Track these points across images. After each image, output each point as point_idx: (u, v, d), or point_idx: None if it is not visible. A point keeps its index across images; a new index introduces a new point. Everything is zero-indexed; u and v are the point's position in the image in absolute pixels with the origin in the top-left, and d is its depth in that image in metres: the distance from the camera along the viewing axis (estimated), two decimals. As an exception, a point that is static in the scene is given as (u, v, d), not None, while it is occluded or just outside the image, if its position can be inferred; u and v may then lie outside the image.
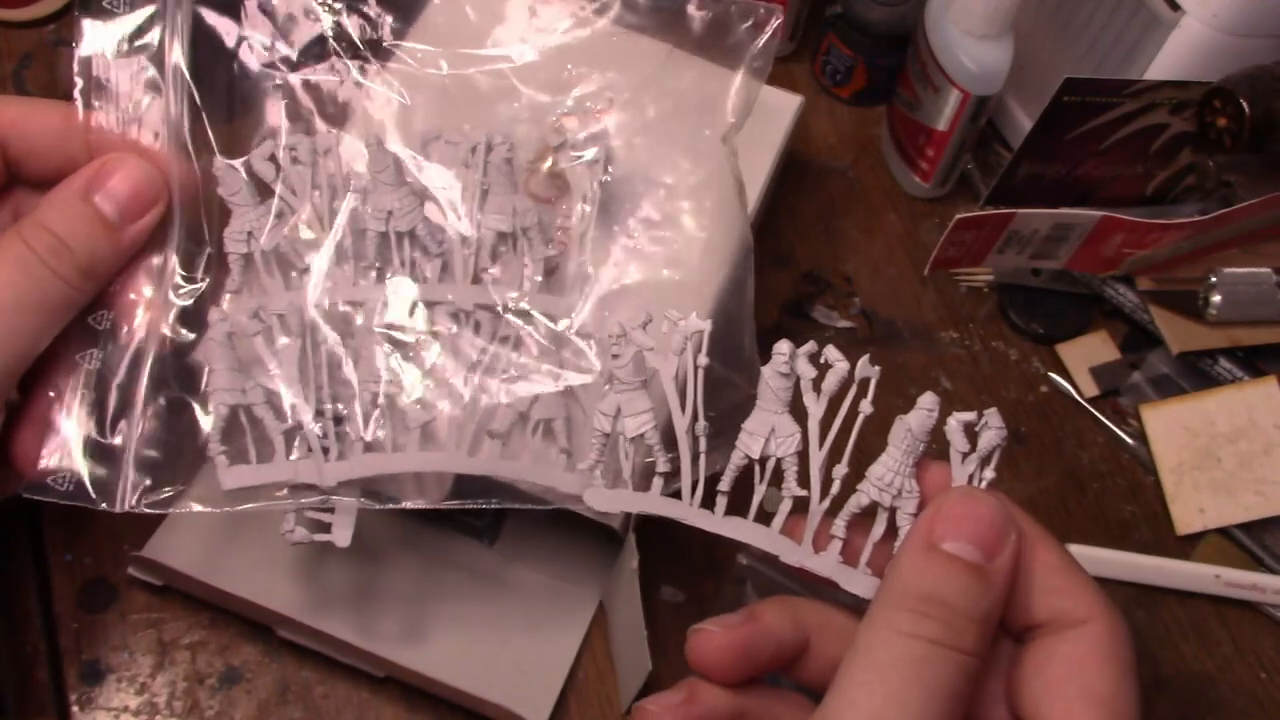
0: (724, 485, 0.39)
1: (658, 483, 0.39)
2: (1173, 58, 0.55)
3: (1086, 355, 0.60)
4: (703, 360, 0.39)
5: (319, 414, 0.41)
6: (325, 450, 0.41)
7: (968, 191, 0.66)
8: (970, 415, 0.37)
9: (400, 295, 0.44)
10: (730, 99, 0.50)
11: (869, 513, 0.38)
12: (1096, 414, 0.59)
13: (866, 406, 0.38)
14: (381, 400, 0.42)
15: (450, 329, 0.44)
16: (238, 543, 0.48)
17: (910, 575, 0.34)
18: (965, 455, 0.38)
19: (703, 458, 0.39)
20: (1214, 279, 0.57)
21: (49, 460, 0.40)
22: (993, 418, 0.37)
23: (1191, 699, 0.53)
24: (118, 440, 0.41)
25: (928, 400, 0.38)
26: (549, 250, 0.46)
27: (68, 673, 0.47)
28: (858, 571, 0.38)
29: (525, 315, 0.45)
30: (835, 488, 0.39)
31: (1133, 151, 0.59)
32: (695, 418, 0.39)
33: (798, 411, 0.39)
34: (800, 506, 0.39)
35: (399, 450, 0.41)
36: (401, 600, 0.48)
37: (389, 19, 0.48)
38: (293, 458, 0.41)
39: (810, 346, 0.39)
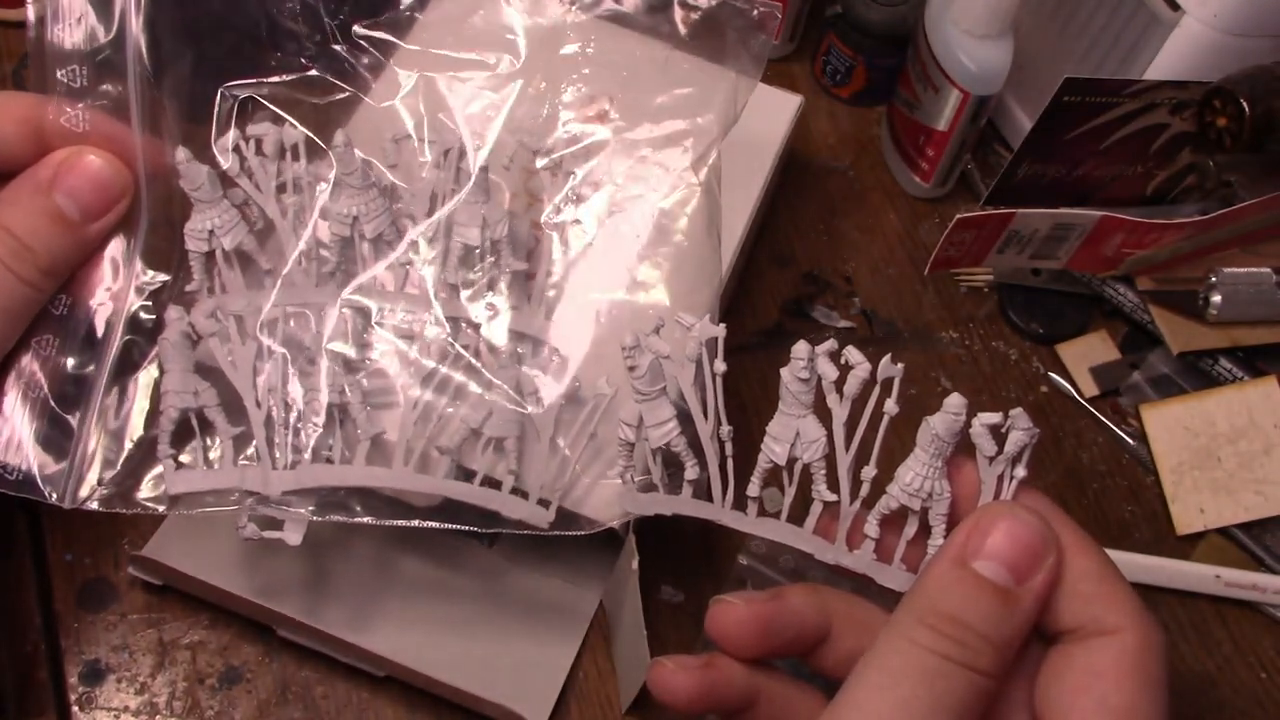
0: (752, 490, 0.39)
1: (687, 489, 0.40)
2: (1173, 58, 0.55)
3: (1086, 355, 0.60)
4: (720, 365, 0.39)
5: (269, 421, 0.41)
6: (274, 459, 0.40)
7: (968, 191, 0.66)
8: (995, 417, 0.37)
9: (360, 303, 0.43)
10: (720, 107, 0.49)
11: (900, 513, 0.38)
12: (1096, 414, 0.59)
13: (891, 406, 0.38)
14: (333, 411, 0.41)
15: (407, 340, 0.43)
16: (238, 543, 0.48)
17: (936, 591, 0.34)
18: (992, 458, 0.37)
19: (730, 461, 0.39)
20: (1214, 279, 0.57)
21: (0, 451, 0.39)
22: (1020, 418, 0.37)
23: (1191, 699, 0.53)
24: (71, 432, 0.40)
25: (954, 403, 0.37)
26: (518, 264, 0.45)
27: (68, 673, 0.47)
28: (892, 567, 0.39)
29: (486, 329, 0.44)
30: (865, 489, 0.39)
31: (1133, 151, 0.59)
32: (719, 422, 0.39)
33: (820, 413, 0.39)
34: (830, 507, 0.39)
35: (346, 463, 0.41)
36: (402, 600, 0.48)
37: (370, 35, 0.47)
38: (241, 463, 0.40)
39: (830, 345, 0.38)
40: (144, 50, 0.42)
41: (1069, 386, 0.60)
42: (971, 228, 0.54)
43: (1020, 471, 0.37)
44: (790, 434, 0.39)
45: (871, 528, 0.39)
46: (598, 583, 0.50)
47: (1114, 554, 0.54)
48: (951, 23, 0.57)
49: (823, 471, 0.39)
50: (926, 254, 0.57)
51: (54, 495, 0.40)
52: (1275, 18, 0.53)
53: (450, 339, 0.43)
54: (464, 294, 0.44)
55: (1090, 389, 0.60)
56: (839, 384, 0.38)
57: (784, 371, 0.38)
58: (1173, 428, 0.57)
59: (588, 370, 0.44)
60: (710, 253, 0.47)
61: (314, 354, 0.42)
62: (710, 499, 0.40)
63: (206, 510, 0.40)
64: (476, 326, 0.44)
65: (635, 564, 0.44)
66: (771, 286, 0.61)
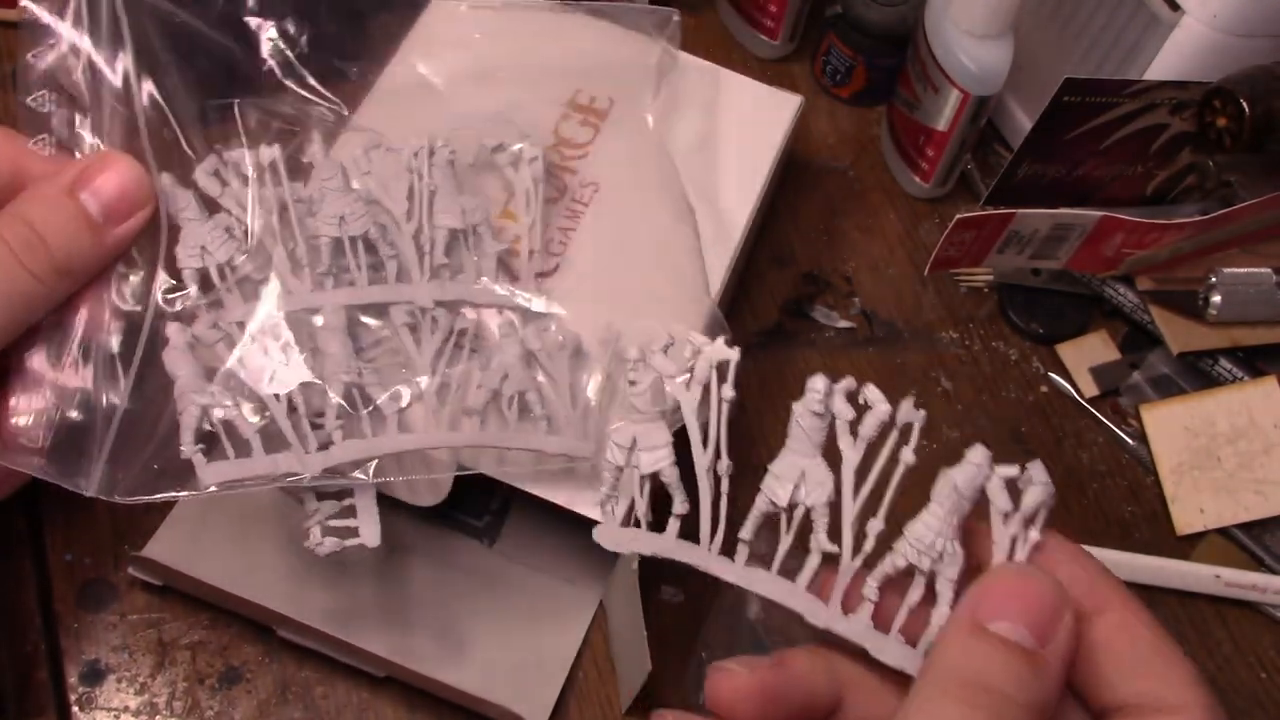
0: (745, 534, 0.37)
1: (673, 524, 0.37)
2: (1173, 58, 0.55)
3: (1086, 355, 0.60)
4: (729, 392, 0.37)
5: (292, 410, 0.41)
6: (304, 443, 0.41)
7: (968, 191, 0.66)
8: (1013, 470, 0.34)
9: (358, 299, 0.44)
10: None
11: (905, 573, 0.35)
12: (1096, 414, 0.59)
13: (908, 456, 0.35)
14: (352, 391, 0.42)
15: (410, 328, 0.45)
16: (238, 543, 0.48)
17: (957, 657, 0.31)
18: (1007, 515, 0.34)
19: (724, 499, 0.37)
20: (1214, 279, 0.57)
21: (25, 432, 0.39)
22: (1037, 472, 0.34)
23: (1191, 699, 0.53)
24: (97, 422, 0.40)
25: (977, 455, 0.34)
26: (499, 244, 0.47)
27: (68, 673, 0.47)
28: (890, 638, 0.35)
29: (484, 305, 0.46)
30: (869, 544, 0.35)
31: (1133, 151, 0.59)
32: (718, 455, 0.37)
33: (829, 456, 0.36)
34: (829, 560, 0.36)
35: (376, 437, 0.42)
36: (402, 600, 0.48)
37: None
38: (270, 455, 0.40)
39: (849, 384, 0.36)
40: (132, 77, 0.43)
41: (1069, 386, 0.60)
42: (971, 228, 0.54)
43: (1034, 535, 0.34)
44: (795, 474, 0.36)
45: (871, 589, 0.35)
46: (598, 583, 0.50)
47: (1114, 554, 0.55)
48: (951, 23, 0.57)
49: (825, 520, 0.36)
50: (926, 254, 0.57)
51: (81, 485, 0.39)
52: (1275, 18, 0.53)
53: (448, 321, 0.45)
54: (454, 277, 0.46)
55: (1090, 389, 0.60)
56: (854, 425, 0.35)
57: (796, 406, 0.36)
58: (1173, 428, 0.57)
59: (583, 329, 0.46)
60: (679, 209, 0.51)
61: (323, 345, 0.43)
62: (697, 539, 0.37)
63: (246, 489, 0.40)
64: (473, 305, 0.46)
65: (635, 564, 0.44)
66: (771, 286, 0.61)
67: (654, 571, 0.51)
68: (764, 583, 0.36)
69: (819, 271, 0.62)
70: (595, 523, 0.44)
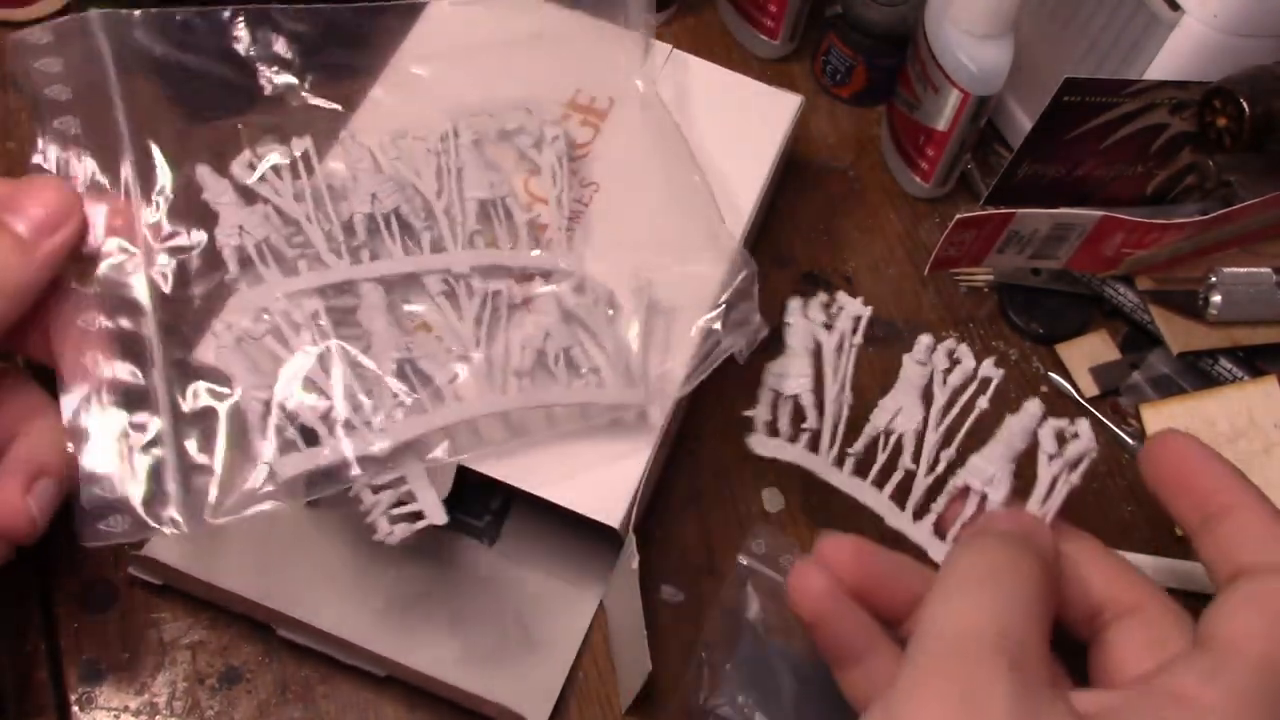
0: (856, 448, 0.45)
1: (803, 438, 0.46)
2: (1173, 58, 0.55)
3: (1086, 355, 0.60)
4: (858, 339, 0.46)
5: (348, 393, 0.41)
6: (369, 423, 0.41)
7: (968, 191, 0.66)
8: (1063, 422, 0.42)
9: (397, 272, 0.45)
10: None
11: (963, 493, 0.43)
12: (1097, 414, 0.59)
13: (984, 403, 0.44)
14: (403, 367, 0.43)
15: (448, 297, 0.46)
16: (238, 542, 0.48)
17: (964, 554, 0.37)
18: (1052, 456, 0.42)
19: (843, 422, 0.45)
20: (1214, 279, 0.57)
21: (103, 499, 0.39)
22: (1083, 428, 0.42)
23: (1191, 699, 0.53)
24: (160, 462, 0.40)
25: (1034, 406, 0.43)
26: (527, 214, 0.49)
27: (68, 673, 0.47)
28: (945, 545, 0.43)
29: (518, 269, 0.47)
30: (941, 468, 0.44)
31: (1133, 151, 0.59)
32: (842, 388, 0.46)
33: (925, 399, 0.45)
34: (907, 479, 0.44)
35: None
36: (402, 600, 0.48)
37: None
38: (339, 440, 0.41)
39: (949, 344, 0.45)
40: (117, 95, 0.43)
41: (1069, 386, 0.60)
42: (971, 228, 0.54)
43: (1075, 479, 0.41)
44: (895, 408, 0.45)
45: (938, 504, 0.43)
46: (598, 583, 0.50)
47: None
48: (951, 23, 0.57)
49: (912, 446, 0.44)
50: (926, 254, 0.57)
51: (172, 526, 0.39)
52: (1275, 18, 0.53)
53: (484, 287, 0.46)
54: (487, 246, 0.47)
55: (1090, 389, 0.60)
56: (945, 374, 0.45)
57: (906, 358, 0.45)
58: (1173, 428, 0.57)
59: (616, 284, 0.48)
60: (687, 165, 0.52)
61: (369, 325, 0.43)
62: (817, 451, 0.45)
63: (325, 494, 0.41)
64: (508, 270, 0.47)
65: (635, 564, 0.44)
66: (771, 286, 0.61)
67: (654, 571, 0.51)
68: (861, 489, 0.45)
69: (819, 271, 0.62)
70: (595, 523, 0.44)
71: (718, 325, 0.48)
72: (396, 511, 0.41)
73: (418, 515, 0.41)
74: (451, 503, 0.45)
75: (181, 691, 0.47)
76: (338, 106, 0.49)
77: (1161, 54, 0.55)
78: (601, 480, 0.45)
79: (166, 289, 0.43)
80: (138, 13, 0.45)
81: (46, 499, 0.40)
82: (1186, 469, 0.38)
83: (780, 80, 0.65)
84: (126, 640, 0.48)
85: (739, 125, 0.56)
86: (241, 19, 0.47)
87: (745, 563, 0.51)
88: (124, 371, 0.41)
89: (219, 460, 0.41)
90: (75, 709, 0.46)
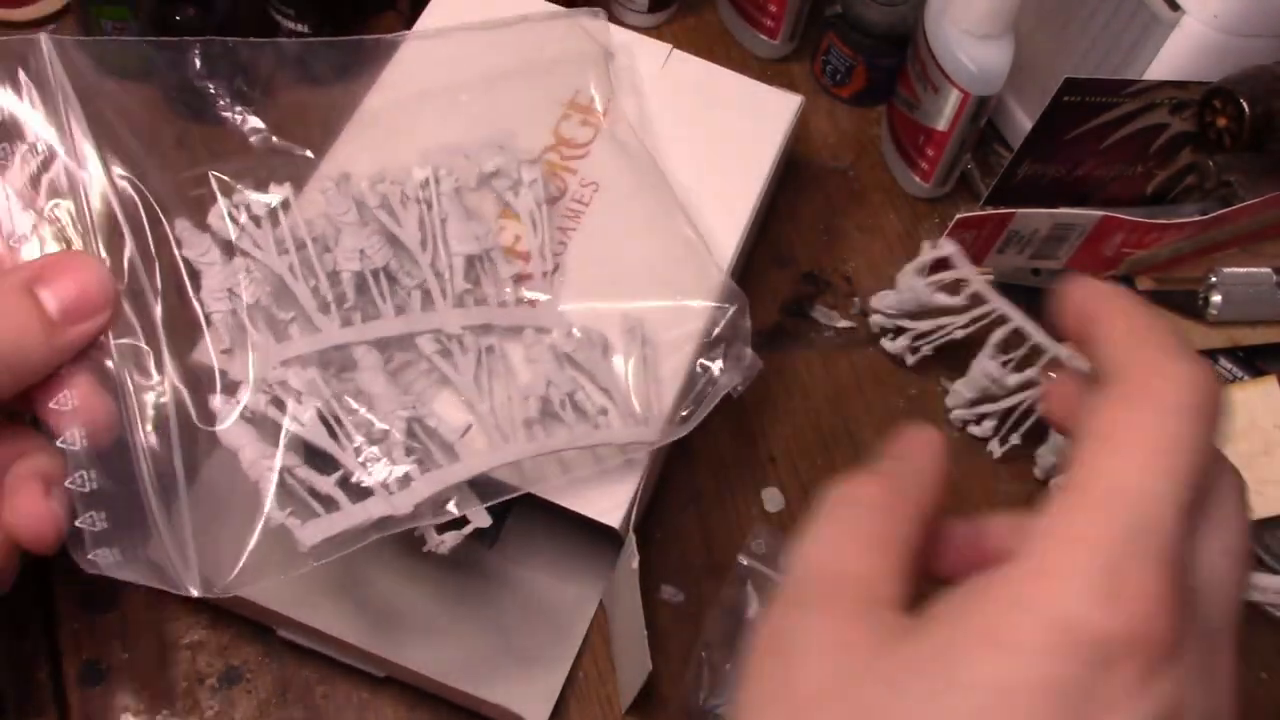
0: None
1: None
2: (1173, 58, 0.55)
3: (1086, 355, 0.60)
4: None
5: (358, 453, 0.41)
6: (386, 486, 0.40)
7: (968, 191, 0.66)
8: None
9: (390, 333, 0.44)
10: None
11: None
12: (1096, 414, 0.59)
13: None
14: (412, 425, 0.42)
15: (443, 355, 0.45)
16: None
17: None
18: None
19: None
20: (1214, 279, 0.57)
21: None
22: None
23: (1191, 699, 0.53)
24: (170, 531, 0.39)
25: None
26: (513, 267, 0.48)
27: (68, 673, 0.47)
28: None
29: (509, 326, 0.46)
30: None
31: (1133, 151, 0.59)
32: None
33: None
34: None
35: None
36: (402, 600, 0.48)
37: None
38: (355, 504, 0.40)
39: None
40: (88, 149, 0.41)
41: (1069, 386, 0.60)
42: (971, 228, 0.54)
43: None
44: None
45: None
46: (598, 583, 0.50)
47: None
48: (951, 23, 0.57)
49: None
50: (926, 254, 0.57)
51: (194, 589, 0.38)
52: (1275, 18, 0.53)
53: (476, 342, 0.45)
54: (476, 300, 0.46)
55: (1090, 389, 0.60)
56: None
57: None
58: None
59: (606, 325, 0.48)
60: (665, 196, 0.51)
61: (368, 385, 0.43)
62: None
63: (346, 552, 0.40)
64: (499, 327, 0.47)
65: (635, 564, 0.44)
66: (772, 286, 0.61)
67: (654, 571, 0.51)
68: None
69: (819, 271, 0.62)
70: (595, 523, 0.44)
71: (715, 363, 0.48)
72: (443, 519, 0.41)
73: (463, 521, 0.41)
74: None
75: (181, 691, 0.47)
76: (308, 153, 0.47)
77: (1161, 54, 0.55)
78: (601, 480, 0.45)
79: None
80: (92, 40, 0.42)
81: (65, 504, 0.38)
82: (1090, 311, 0.31)
83: (780, 80, 0.65)
84: (126, 640, 0.48)
85: (739, 125, 0.56)
86: (200, 50, 0.45)
87: (745, 563, 0.51)
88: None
89: (234, 526, 0.40)
90: (75, 709, 0.46)
